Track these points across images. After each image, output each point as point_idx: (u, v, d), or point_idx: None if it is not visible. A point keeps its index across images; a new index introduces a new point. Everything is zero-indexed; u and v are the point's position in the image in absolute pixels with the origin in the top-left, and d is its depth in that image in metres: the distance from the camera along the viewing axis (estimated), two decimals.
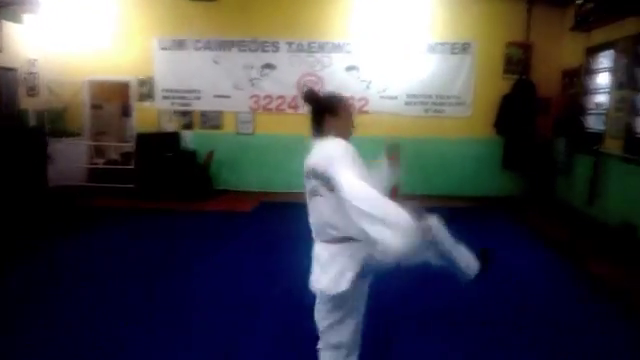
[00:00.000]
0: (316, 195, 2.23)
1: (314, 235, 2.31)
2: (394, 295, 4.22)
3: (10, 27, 7.69)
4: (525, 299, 4.30)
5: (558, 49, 8.44)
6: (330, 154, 2.15)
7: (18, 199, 7.41)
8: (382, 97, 8.73)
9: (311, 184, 2.25)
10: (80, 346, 3.35)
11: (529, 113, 8.18)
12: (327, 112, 2.41)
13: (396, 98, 8.74)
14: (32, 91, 8.36)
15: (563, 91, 8.39)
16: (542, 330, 3.73)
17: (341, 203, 2.04)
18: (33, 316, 3.78)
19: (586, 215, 7.16)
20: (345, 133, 2.42)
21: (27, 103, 8.22)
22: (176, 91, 8.98)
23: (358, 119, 7.77)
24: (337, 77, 8.67)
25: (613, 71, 6.83)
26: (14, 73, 7.90)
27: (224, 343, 3.42)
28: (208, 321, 3.74)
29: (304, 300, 3.02)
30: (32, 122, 8.32)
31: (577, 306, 4.23)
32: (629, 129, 6.30)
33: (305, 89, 2.69)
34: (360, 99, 8.72)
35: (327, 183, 2.12)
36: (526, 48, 8.40)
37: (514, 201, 8.34)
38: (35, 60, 8.35)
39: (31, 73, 8.30)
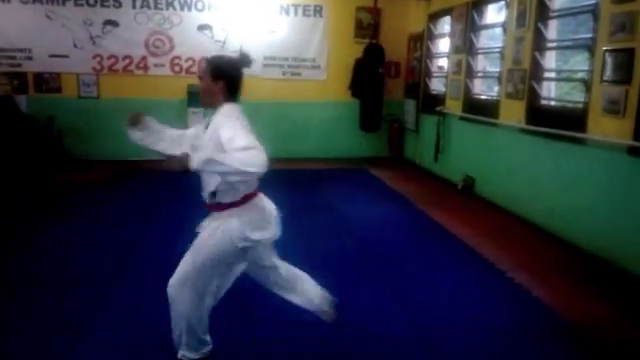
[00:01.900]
0: None
1: None
2: None
3: None
4: (374, 243, 4.82)
5: (404, 15, 8.88)
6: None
7: None
8: None
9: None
10: None
11: (379, 76, 8.56)
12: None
13: (253, 60, 8.59)
14: None
15: (410, 55, 8.90)
16: (384, 265, 4.28)
17: None
18: None
19: (432, 172, 7.77)
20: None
21: None
22: (2, 50, 7.99)
23: None
24: (189, 36, 8.38)
25: (450, 36, 7.35)
26: None
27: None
28: (51, 299, 3.48)
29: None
30: None
31: (415, 246, 4.85)
32: (465, 91, 6.87)
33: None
34: None
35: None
36: (375, 13, 8.74)
37: (371, 161, 8.77)
38: None
39: None
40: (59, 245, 4.55)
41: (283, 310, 3.18)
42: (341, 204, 6.21)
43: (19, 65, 8.10)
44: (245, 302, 3.39)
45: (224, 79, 2.50)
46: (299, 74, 8.88)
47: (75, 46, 8.16)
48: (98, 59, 8.25)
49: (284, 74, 8.86)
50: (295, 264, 3.92)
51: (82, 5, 8.04)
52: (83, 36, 8.13)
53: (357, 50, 8.68)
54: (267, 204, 2.64)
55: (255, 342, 3.02)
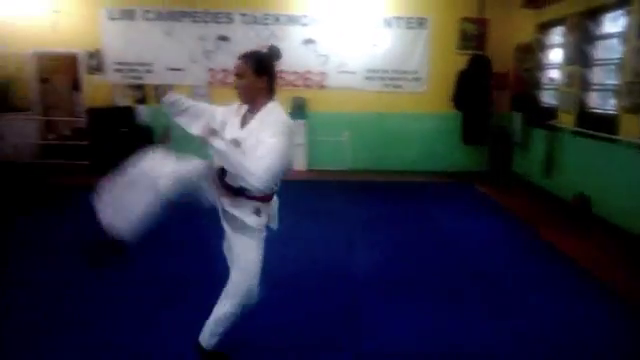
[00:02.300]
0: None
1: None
2: (358, 265, 4.37)
3: None
4: (480, 265, 4.60)
5: (511, 25, 8.61)
6: None
7: None
8: (340, 72, 8.78)
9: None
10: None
11: (485, 88, 8.35)
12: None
13: (355, 73, 8.81)
14: None
15: (517, 66, 8.59)
16: (484, 282, 4.14)
17: None
18: None
19: (542, 188, 7.43)
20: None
21: None
22: (127, 64, 8.80)
23: (317, 95, 7.88)
24: (294, 51, 8.67)
25: (563, 47, 7.03)
26: None
27: None
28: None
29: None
30: None
31: (521, 264, 4.66)
32: (580, 104, 6.52)
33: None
34: (319, 74, 8.74)
35: None
36: (481, 23, 8.56)
37: (474, 175, 8.57)
38: None
39: None
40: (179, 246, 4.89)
41: (391, 325, 3.25)
42: (442, 217, 6.13)
43: (141, 78, 8.86)
44: (351, 315, 3.49)
45: (267, 75, 2.58)
46: (400, 86, 8.90)
47: (191, 60, 8.76)
48: (211, 72, 8.80)
49: (385, 86, 8.92)
50: (387, 275, 4.02)
51: (198, 22, 8.64)
52: (198, 51, 8.72)
53: (460, 61, 8.54)
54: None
55: (361, 356, 3.08)
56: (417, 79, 8.86)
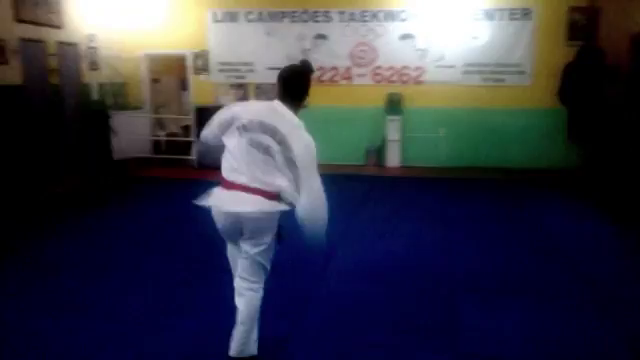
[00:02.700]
0: (268, 154, 2.58)
1: (245, 179, 2.59)
2: (455, 264, 4.37)
3: (69, 2, 8.05)
4: (587, 267, 4.40)
5: (626, 13, 8.04)
6: (295, 124, 2.66)
7: (85, 170, 7.93)
8: (438, 66, 8.69)
9: (265, 139, 2.59)
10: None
11: (597, 82, 7.88)
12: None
13: (453, 67, 8.67)
14: (93, 66, 8.78)
15: (633, 58, 8.01)
16: (600, 293, 3.88)
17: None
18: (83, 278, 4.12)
19: None
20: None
21: (90, 77, 8.69)
22: (230, 64, 9.24)
23: (414, 90, 7.92)
24: (391, 46, 8.71)
25: None
26: (76, 48, 8.31)
27: None
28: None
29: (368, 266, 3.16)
30: (95, 96, 8.77)
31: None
32: None
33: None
34: (415, 69, 8.70)
35: (280, 145, 2.56)
36: (591, 13, 8.08)
37: (579, 174, 8.13)
38: (94, 35, 8.72)
39: (91, 48, 8.71)
40: None
41: (491, 326, 3.22)
42: (545, 217, 5.92)
43: (243, 77, 9.28)
44: (449, 315, 3.49)
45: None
46: (502, 80, 8.63)
47: (289, 59, 9.04)
48: None
49: (485, 80, 8.69)
50: (486, 276, 3.94)
51: (297, 21, 8.90)
52: (296, 50, 8.98)
53: (568, 53, 8.12)
54: None
55: (459, 358, 3.06)
56: (521, 72, 8.55)
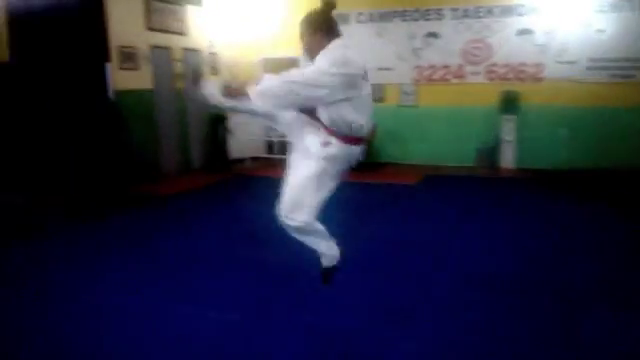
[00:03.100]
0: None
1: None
2: (576, 271, 4.13)
3: (191, 10, 8.66)
4: None
5: None
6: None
7: (206, 168, 8.49)
8: (559, 62, 8.22)
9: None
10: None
11: None
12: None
13: (575, 63, 8.17)
14: (214, 70, 9.37)
15: None
16: None
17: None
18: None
19: None
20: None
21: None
22: None
23: (531, 88, 7.62)
24: (507, 43, 8.40)
25: None
26: (198, 54, 8.92)
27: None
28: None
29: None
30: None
31: None
32: None
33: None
34: (534, 65, 8.32)
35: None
36: None
37: None
38: (214, 41, 9.30)
39: (211, 53, 9.29)
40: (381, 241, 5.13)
41: (617, 340, 2.99)
42: None
43: None
44: (569, 327, 3.28)
45: (320, 30, 2.93)
46: (632, 76, 7.98)
47: (399, 59, 9.04)
48: (418, 70, 8.98)
49: (611, 77, 8.09)
50: (612, 286, 3.62)
51: (408, 20, 8.88)
52: (406, 49, 8.96)
53: None
54: None
55: None
56: None
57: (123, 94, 7.25)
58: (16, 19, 7.01)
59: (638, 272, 4.13)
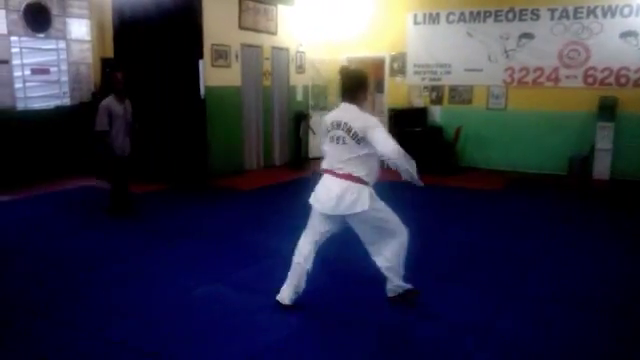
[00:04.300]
0: (340, 142, 3.26)
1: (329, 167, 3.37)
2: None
3: (283, 10, 9.04)
4: None
5: None
6: (370, 121, 3.23)
7: (283, 166, 8.85)
8: None
9: (337, 134, 3.26)
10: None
11: None
12: (361, 87, 3.41)
13: None
14: (300, 69, 9.74)
15: None
16: None
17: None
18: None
19: None
20: (368, 106, 3.33)
21: (296, 80, 9.65)
22: (427, 66, 9.43)
23: (633, 94, 7.37)
24: (608, 45, 8.02)
25: None
26: (286, 52, 9.30)
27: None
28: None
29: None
30: (299, 97, 9.71)
31: None
32: None
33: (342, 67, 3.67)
34: (637, 70, 7.90)
35: (357, 138, 3.19)
36: None
37: None
38: (302, 40, 9.64)
39: (299, 52, 9.63)
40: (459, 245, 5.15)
41: None
42: None
43: (439, 79, 9.39)
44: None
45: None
46: None
47: (489, 60, 8.90)
48: (509, 72, 8.78)
49: None
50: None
51: (501, 21, 8.71)
52: (498, 50, 8.79)
53: None
54: (327, 182, 3.36)
55: None
56: None
57: (213, 90, 7.74)
58: (121, 19, 7.73)
59: None
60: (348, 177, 3.24)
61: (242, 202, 6.87)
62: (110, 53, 8.31)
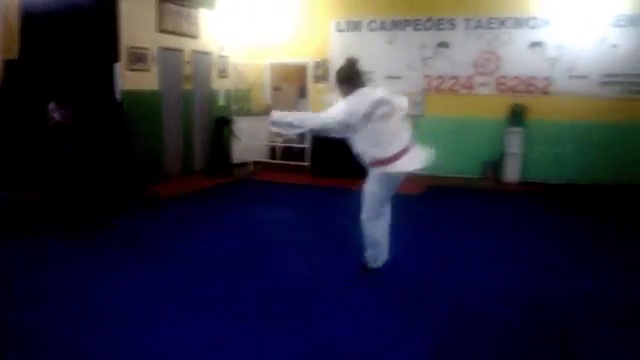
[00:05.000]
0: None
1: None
2: (575, 288, 4.26)
3: (205, 14, 8.96)
4: None
5: None
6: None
7: (205, 172, 8.73)
8: (570, 77, 8.33)
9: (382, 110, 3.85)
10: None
11: None
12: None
13: (587, 77, 8.27)
14: (222, 73, 9.68)
15: None
16: None
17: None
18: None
19: None
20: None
21: (218, 84, 9.57)
22: None
23: (539, 101, 7.73)
24: (518, 55, 8.53)
25: None
26: (208, 56, 9.21)
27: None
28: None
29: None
30: (221, 102, 9.64)
31: None
32: None
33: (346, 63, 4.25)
34: (543, 79, 8.42)
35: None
36: None
37: None
38: (225, 44, 9.59)
39: (221, 56, 9.58)
40: None
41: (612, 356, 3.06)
42: None
43: None
44: (566, 341, 3.37)
45: (346, 82, 4.06)
46: None
47: (409, 68, 9.22)
48: (427, 79, 9.14)
49: (624, 92, 8.17)
50: (609, 301, 3.70)
51: (420, 29, 9.05)
52: (417, 58, 9.13)
53: None
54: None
55: None
56: None
57: (131, 94, 7.54)
58: (29, 18, 7.35)
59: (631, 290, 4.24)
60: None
61: (162, 209, 6.74)
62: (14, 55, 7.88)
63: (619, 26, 8.06)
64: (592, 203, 7.47)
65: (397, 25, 9.21)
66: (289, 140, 10.25)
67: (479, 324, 3.53)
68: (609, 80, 8.22)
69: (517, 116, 8.49)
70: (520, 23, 8.51)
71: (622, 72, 8.15)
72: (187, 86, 8.81)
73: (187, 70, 8.77)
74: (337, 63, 9.53)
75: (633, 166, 8.14)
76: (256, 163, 9.85)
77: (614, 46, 8.12)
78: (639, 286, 4.31)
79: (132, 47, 7.58)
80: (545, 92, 8.46)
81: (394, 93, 4.10)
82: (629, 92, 8.16)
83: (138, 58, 7.72)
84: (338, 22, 9.58)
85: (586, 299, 4.01)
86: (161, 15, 8.06)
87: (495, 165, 8.68)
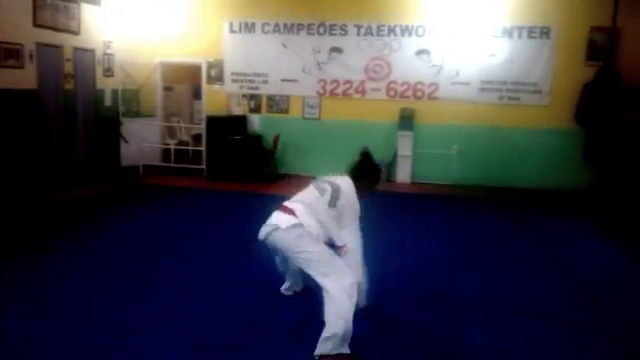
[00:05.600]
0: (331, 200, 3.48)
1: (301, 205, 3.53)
2: (462, 284, 4.50)
3: (88, 9, 8.45)
4: (598, 292, 4.47)
5: None
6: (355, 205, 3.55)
7: (95, 176, 8.23)
8: (454, 83, 8.87)
9: (328, 192, 3.52)
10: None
11: (615, 103, 8.01)
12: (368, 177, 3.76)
13: (469, 84, 8.84)
14: (108, 72, 9.18)
15: None
16: (610, 320, 3.94)
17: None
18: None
19: None
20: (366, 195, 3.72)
21: (104, 83, 9.06)
22: (244, 74, 9.54)
23: (427, 106, 8.14)
24: (406, 61, 8.91)
25: None
26: (91, 54, 8.69)
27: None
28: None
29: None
30: (107, 102, 9.13)
31: None
32: None
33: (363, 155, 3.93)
34: (430, 85, 8.89)
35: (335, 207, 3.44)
36: (612, 33, 8.24)
37: (593, 196, 8.20)
38: (111, 42, 9.12)
39: (107, 54, 9.09)
40: None
41: (495, 350, 3.29)
42: (557, 238, 6.04)
43: (257, 88, 9.57)
44: (454, 337, 3.58)
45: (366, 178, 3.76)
46: (517, 99, 8.78)
47: (304, 71, 9.32)
48: (322, 83, 9.30)
49: (501, 98, 8.85)
50: (493, 297, 4.01)
51: (313, 34, 9.19)
52: (311, 62, 9.25)
53: (587, 73, 8.29)
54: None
55: None
56: (538, 92, 8.69)
57: (2, 93, 6.91)
58: None
59: (519, 282, 4.59)
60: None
61: (48, 215, 6.25)
62: None
63: (496, 37, 8.71)
64: (477, 202, 8.00)
65: (291, 29, 9.27)
66: (184, 142, 9.99)
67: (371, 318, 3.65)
68: (487, 87, 8.87)
69: (407, 120, 8.90)
70: (408, 31, 8.92)
71: (498, 80, 8.82)
72: (69, 85, 8.23)
73: (68, 68, 8.19)
74: (231, 64, 9.56)
75: (511, 168, 8.86)
76: (148, 167, 9.44)
77: (491, 55, 8.77)
78: (516, 281, 4.69)
79: (3, 42, 6.95)
80: (432, 97, 8.95)
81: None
82: (503, 98, 8.84)
83: (10, 54, 7.10)
84: (231, 23, 9.45)
85: (470, 290, 4.32)
86: (36, 8, 7.46)
87: (388, 167, 9.04)
